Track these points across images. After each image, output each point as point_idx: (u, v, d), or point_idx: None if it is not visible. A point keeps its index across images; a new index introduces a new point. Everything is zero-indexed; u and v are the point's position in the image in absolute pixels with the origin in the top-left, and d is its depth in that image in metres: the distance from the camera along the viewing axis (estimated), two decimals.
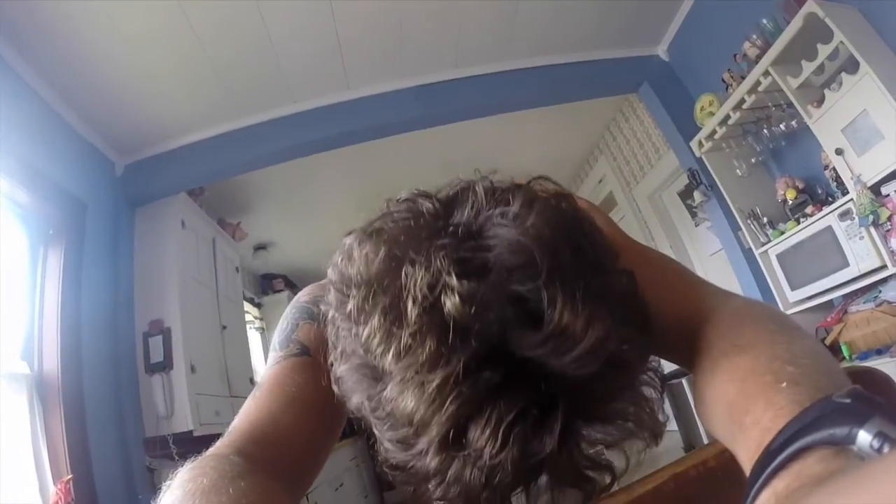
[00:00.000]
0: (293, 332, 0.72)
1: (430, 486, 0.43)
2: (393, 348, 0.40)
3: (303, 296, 0.79)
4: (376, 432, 0.46)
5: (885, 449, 0.28)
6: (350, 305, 0.44)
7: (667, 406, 4.82)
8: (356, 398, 0.47)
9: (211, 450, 0.52)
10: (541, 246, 0.40)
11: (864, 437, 0.28)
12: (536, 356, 0.39)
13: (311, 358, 0.68)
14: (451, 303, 0.39)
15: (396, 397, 0.41)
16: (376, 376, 0.43)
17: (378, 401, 0.43)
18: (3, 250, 2.42)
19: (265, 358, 1.75)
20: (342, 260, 0.47)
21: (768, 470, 0.31)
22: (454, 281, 0.39)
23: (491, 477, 0.40)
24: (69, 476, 2.19)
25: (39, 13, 2.33)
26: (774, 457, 0.31)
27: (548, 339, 0.38)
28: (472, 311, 0.38)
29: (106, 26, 2.50)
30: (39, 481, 2.19)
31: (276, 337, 0.73)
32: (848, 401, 0.31)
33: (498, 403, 0.39)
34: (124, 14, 2.49)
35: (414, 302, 0.40)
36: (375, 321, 0.42)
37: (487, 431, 0.38)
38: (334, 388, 0.51)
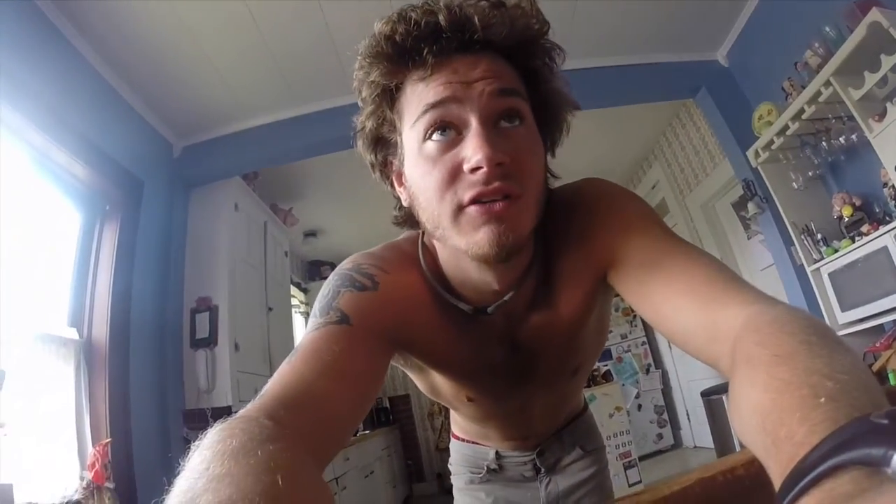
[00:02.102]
0: (335, 300, 0.73)
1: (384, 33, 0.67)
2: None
3: (346, 263, 0.81)
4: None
5: None
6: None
7: (704, 420, 4.71)
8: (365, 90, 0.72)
9: (241, 412, 0.53)
10: None
11: None
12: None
13: (350, 327, 0.70)
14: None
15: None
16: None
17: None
18: (55, 222, 2.57)
19: None
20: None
21: (799, 486, 0.31)
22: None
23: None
24: (108, 439, 2.30)
25: None
26: (806, 474, 0.31)
27: None
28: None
29: (168, 11, 2.61)
30: (79, 442, 2.31)
31: (318, 303, 0.75)
32: (885, 421, 0.29)
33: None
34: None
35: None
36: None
37: None
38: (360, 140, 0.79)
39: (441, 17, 0.65)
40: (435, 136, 0.67)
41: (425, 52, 0.65)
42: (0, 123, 2.15)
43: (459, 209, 0.66)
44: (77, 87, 2.59)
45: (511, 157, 0.65)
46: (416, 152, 0.69)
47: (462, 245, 0.68)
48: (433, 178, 0.67)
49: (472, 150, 0.63)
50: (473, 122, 0.65)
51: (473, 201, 0.65)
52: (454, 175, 0.65)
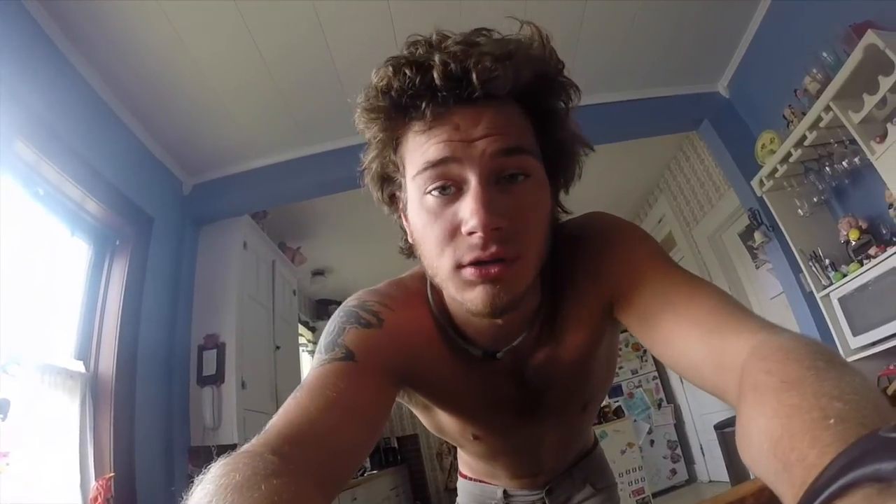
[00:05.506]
0: (339, 337, 0.73)
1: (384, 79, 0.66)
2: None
3: (351, 300, 0.81)
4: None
5: None
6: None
7: (718, 454, 4.61)
8: (369, 132, 0.72)
9: (245, 446, 0.53)
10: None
11: None
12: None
13: (355, 363, 0.69)
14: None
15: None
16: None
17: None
18: (64, 256, 2.60)
19: None
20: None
21: None
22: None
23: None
24: (111, 474, 2.27)
25: (115, 35, 2.51)
26: (818, 495, 0.30)
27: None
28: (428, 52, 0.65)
29: (179, 51, 2.67)
30: (81, 476, 2.28)
31: (323, 339, 0.75)
32: (894, 435, 0.29)
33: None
34: (195, 39, 2.65)
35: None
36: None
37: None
38: (367, 179, 0.80)
39: (436, 75, 0.62)
40: (434, 193, 0.66)
41: (423, 106, 0.64)
42: (16, 157, 2.20)
43: (458, 268, 0.66)
44: (93, 126, 2.65)
45: (509, 219, 0.64)
46: (418, 203, 0.69)
47: (458, 298, 0.68)
48: (433, 233, 0.67)
49: (469, 214, 0.63)
50: (473, 182, 0.64)
51: (471, 264, 0.65)
52: (453, 233, 0.65)
